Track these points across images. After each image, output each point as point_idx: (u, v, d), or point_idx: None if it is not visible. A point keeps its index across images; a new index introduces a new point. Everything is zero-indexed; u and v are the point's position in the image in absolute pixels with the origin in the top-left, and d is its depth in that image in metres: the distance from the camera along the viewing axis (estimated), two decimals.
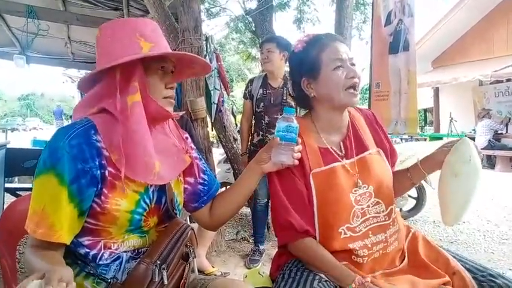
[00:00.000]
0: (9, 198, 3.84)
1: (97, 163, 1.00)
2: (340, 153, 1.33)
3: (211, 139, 4.43)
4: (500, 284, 1.17)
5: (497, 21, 10.34)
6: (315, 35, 1.34)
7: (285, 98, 3.09)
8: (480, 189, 1.21)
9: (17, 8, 3.81)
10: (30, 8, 3.78)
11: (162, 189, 1.15)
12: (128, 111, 1.01)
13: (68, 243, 0.98)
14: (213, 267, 2.93)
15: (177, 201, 1.20)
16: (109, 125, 1.03)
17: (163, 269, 1.02)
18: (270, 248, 3.49)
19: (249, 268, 3.10)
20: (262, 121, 3.18)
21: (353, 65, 1.29)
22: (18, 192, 3.84)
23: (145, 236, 1.13)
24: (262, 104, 3.16)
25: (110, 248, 1.06)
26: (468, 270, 1.23)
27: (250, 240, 3.71)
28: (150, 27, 1.10)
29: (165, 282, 1.02)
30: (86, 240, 1.04)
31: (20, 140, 10.68)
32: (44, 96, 59.89)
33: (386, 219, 1.28)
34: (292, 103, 3.02)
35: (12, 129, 33.57)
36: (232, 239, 3.79)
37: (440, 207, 1.25)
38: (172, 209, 1.16)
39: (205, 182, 1.30)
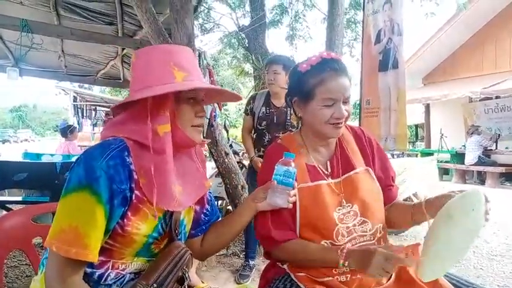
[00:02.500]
0: None
1: (129, 185, 1.01)
2: (326, 172, 1.36)
3: (204, 152, 4.44)
4: None
5: (486, 40, 10.55)
6: (323, 61, 1.30)
7: (288, 118, 3.10)
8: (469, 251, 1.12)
9: (11, 21, 3.82)
10: (24, 22, 3.78)
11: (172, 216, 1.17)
12: (158, 140, 1.04)
13: (96, 261, 0.98)
14: (202, 282, 2.90)
15: (184, 226, 1.22)
16: (139, 150, 1.05)
17: None
18: (261, 264, 3.47)
19: (239, 283, 3.09)
20: (264, 138, 3.19)
21: (346, 103, 1.30)
22: (7, 206, 3.80)
23: (153, 260, 1.15)
24: (264, 123, 3.17)
25: (117, 269, 1.07)
26: (454, 285, 1.25)
27: (241, 256, 3.69)
28: (184, 56, 1.13)
29: None
30: (98, 260, 1.03)
31: (11, 152, 10.61)
32: (37, 108, 59.66)
33: (372, 238, 1.30)
34: (294, 123, 3.04)
35: (4, 141, 33.35)
36: (222, 254, 3.76)
37: (421, 256, 1.08)
38: (174, 230, 1.17)
39: (208, 212, 1.33)
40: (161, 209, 1.09)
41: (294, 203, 1.29)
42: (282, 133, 3.05)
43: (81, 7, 4.36)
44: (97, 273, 1.05)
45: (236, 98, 1.30)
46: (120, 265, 1.08)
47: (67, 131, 6.61)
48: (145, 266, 1.13)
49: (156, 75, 1.07)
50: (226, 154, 3.82)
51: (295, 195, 1.25)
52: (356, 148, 1.43)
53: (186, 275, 1.16)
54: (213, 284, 2.96)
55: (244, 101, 3.54)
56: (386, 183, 1.44)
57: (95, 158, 0.98)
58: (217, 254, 3.66)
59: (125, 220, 1.02)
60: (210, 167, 5.27)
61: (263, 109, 3.20)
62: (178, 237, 1.19)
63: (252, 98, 3.37)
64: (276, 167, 1.24)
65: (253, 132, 3.37)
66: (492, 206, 1.13)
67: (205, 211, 1.32)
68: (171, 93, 1.06)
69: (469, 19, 10.26)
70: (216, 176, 4.65)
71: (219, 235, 1.32)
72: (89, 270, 1.03)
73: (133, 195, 1.03)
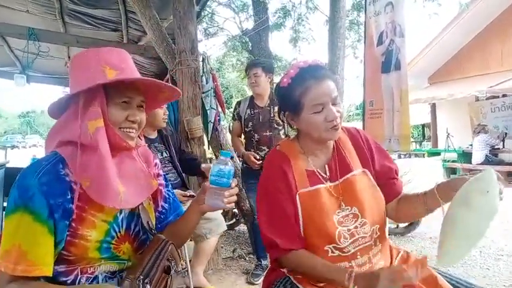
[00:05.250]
0: None
1: (68, 197, 1.03)
2: (325, 176, 1.37)
3: (208, 155, 4.48)
4: None
5: (492, 38, 10.48)
6: (301, 71, 1.33)
7: (272, 115, 3.21)
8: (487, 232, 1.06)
9: (18, 30, 3.89)
10: (31, 31, 3.85)
11: (131, 215, 1.19)
12: (89, 137, 1.04)
13: (51, 275, 1.01)
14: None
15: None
16: (76, 154, 1.05)
17: (147, 283, 1.05)
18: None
19: (251, 283, 3.15)
20: (252, 139, 3.29)
21: (335, 104, 1.30)
22: None
23: (124, 262, 1.17)
24: (250, 124, 3.28)
25: (86, 273, 1.10)
26: (454, 286, 1.25)
27: (247, 258, 3.73)
28: (117, 56, 1.13)
29: None
30: (62, 268, 1.06)
31: (20, 158, 10.72)
32: (44, 113, 60.08)
33: (370, 240, 1.31)
34: (279, 121, 3.11)
35: (12, 147, 33.60)
36: (228, 257, 3.80)
37: (438, 242, 1.11)
38: (150, 229, 1.21)
39: (164, 211, 1.34)
40: (111, 213, 1.11)
41: (296, 208, 1.30)
42: (268, 131, 3.21)
43: (86, 14, 4.42)
44: (68, 281, 1.07)
45: (176, 93, 1.26)
46: (88, 269, 1.10)
47: None
48: (115, 267, 1.15)
49: (87, 75, 1.06)
50: (231, 157, 3.85)
51: (234, 195, 1.21)
52: (352, 149, 1.43)
53: (172, 264, 1.18)
54: (219, 287, 3.02)
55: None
56: (390, 176, 1.44)
57: (27, 178, 1.01)
58: (223, 257, 3.71)
59: (72, 230, 1.04)
60: None
61: (248, 111, 3.33)
62: (153, 232, 1.22)
63: (238, 104, 3.50)
64: (212, 167, 1.20)
65: (242, 136, 3.46)
66: (500, 205, 1.12)
67: (160, 209, 1.33)
68: (101, 89, 1.06)
69: (474, 17, 10.20)
70: None
71: (173, 237, 1.29)
72: (60, 279, 1.06)
73: (75, 206, 1.04)
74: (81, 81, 1.06)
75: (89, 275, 1.10)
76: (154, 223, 1.28)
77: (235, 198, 1.22)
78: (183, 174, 2.95)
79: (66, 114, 1.11)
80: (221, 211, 3.85)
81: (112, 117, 1.09)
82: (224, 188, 1.17)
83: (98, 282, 1.11)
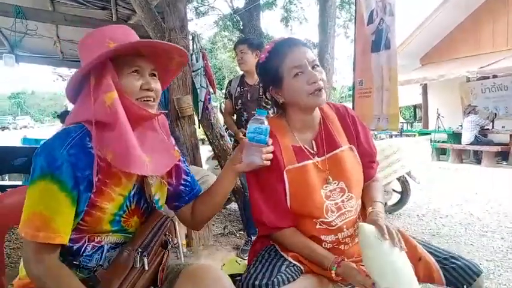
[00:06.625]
0: None
1: (92, 170, 1.04)
2: (312, 151, 1.39)
3: (201, 136, 4.50)
4: (461, 265, 1.26)
5: (483, 19, 10.46)
6: (276, 44, 1.37)
7: (261, 93, 3.20)
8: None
9: (4, 8, 3.83)
10: (18, 9, 3.80)
11: (141, 191, 1.21)
12: (107, 110, 1.04)
13: (67, 243, 1.03)
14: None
15: (157, 201, 1.26)
16: (101, 129, 1.06)
17: (144, 255, 1.10)
18: None
19: (241, 257, 3.19)
20: (242, 117, 3.34)
21: (315, 67, 1.32)
22: (8, 190, 3.88)
23: (130, 236, 1.20)
24: (240, 101, 3.33)
25: (93, 241, 1.12)
26: (432, 254, 1.31)
27: (237, 235, 3.80)
28: (121, 31, 1.14)
29: (146, 268, 1.10)
30: (71, 235, 1.07)
31: (11, 139, 10.66)
32: (35, 94, 59.48)
33: (355, 213, 1.36)
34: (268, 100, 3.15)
35: (3, 128, 33.40)
36: (219, 234, 3.87)
37: None
38: (151, 203, 1.22)
39: (188, 183, 1.35)
40: (127, 187, 1.14)
41: (284, 184, 1.33)
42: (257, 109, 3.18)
43: None
44: (75, 248, 1.10)
45: (183, 54, 1.23)
46: (95, 237, 1.13)
47: (66, 117, 6.65)
48: (121, 240, 1.18)
49: (92, 53, 1.06)
50: (222, 136, 3.87)
51: (270, 152, 1.26)
52: (339, 126, 1.45)
53: (169, 239, 1.23)
54: (210, 261, 3.08)
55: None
56: (370, 159, 1.47)
57: (56, 148, 1.01)
58: (214, 233, 3.77)
59: (92, 202, 1.06)
60: (207, 150, 5.35)
61: (238, 89, 3.38)
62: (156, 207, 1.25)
63: (229, 82, 3.56)
64: (248, 125, 1.24)
65: (234, 115, 3.51)
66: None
67: (183, 182, 1.34)
68: (109, 62, 1.07)
69: None
70: (212, 159, 4.72)
71: (205, 203, 1.33)
72: (66, 245, 1.07)
73: (97, 179, 1.05)
74: (88, 59, 1.07)
75: (95, 244, 1.13)
76: (162, 201, 1.29)
77: (271, 156, 1.27)
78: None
79: (81, 95, 1.12)
80: None
81: (126, 88, 1.09)
82: (262, 144, 1.22)
83: (102, 252, 1.14)
